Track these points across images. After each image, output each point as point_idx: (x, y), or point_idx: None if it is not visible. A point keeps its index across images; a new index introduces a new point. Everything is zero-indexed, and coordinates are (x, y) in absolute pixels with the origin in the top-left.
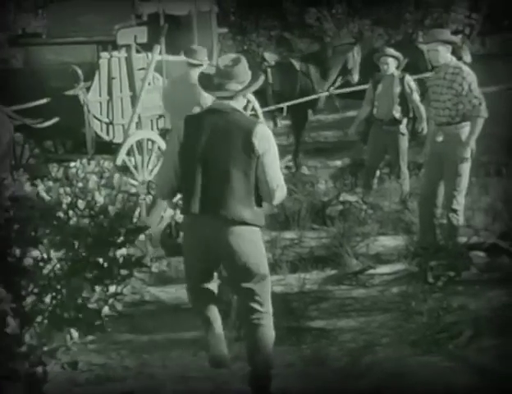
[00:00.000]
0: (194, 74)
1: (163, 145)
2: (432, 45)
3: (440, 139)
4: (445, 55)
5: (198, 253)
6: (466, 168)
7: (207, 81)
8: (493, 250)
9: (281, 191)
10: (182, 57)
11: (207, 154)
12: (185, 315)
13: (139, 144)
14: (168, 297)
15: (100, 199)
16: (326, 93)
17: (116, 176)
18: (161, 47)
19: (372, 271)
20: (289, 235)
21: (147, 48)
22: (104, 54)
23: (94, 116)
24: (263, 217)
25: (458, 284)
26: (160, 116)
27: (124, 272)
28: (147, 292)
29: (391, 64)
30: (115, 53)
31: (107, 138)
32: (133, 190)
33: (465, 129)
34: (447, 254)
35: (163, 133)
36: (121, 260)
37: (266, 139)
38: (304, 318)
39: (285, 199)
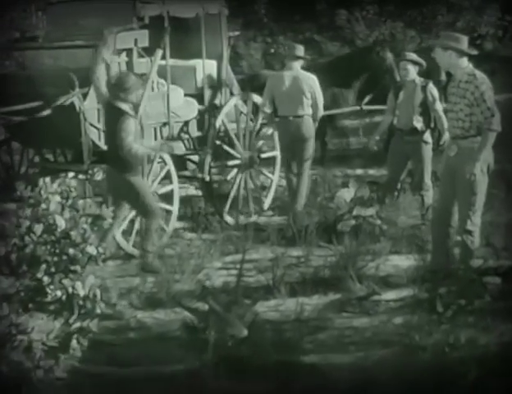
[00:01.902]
0: (296, 66)
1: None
2: (438, 49)
3: (453, 153)
4: (453, 61)
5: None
6: (481, 186)
7: (110, 90)
8: (510, 275)
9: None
10: (189, 62)
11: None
12: (170, 345)
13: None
14: (155, 323)
15: (61, 222)
16: (358, 108)
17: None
18: (165, 51)
19: (377, 297)
20: (295, 252)
21: (151, 52)
22: None
23: (91, 124)
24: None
25: (468, 314)
26: (164, 124)
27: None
28: (133, 317)
29: (411, 70)
30: (114, 58)
31: (104, 147)
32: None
33: None
34: (458, 279)
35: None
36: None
37: (128, 123)
38: (297, 352)
39: (299, 212)
